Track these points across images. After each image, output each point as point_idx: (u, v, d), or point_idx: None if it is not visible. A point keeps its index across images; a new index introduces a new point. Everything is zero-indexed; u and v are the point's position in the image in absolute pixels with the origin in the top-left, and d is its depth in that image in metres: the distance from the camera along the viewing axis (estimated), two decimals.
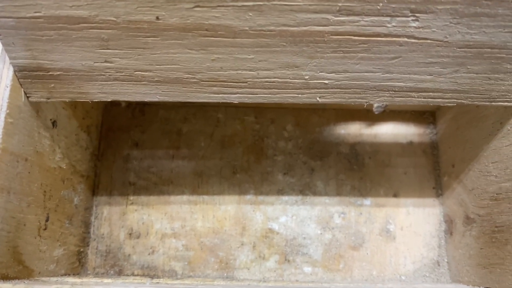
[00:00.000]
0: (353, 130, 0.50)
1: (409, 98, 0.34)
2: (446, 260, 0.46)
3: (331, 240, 0.47)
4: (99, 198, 0.47)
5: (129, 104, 0.50)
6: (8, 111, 0.30)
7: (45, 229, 0.37)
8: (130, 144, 0.49)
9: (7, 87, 0.31)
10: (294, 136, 0.50)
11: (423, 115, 0.50)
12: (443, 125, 0.48)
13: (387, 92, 0.33)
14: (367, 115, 0.50)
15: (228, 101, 0.33)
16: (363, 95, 0.33)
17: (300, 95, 0.33)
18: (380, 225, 0.47)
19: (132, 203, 0.47)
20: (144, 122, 0.50)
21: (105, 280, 0.35)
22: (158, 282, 0.34)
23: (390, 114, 0.50)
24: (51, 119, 0.37)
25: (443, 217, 0.47)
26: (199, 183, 0.48)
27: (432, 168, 0.49)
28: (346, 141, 0.50)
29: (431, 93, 0.33)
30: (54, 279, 0.32)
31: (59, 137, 0.39)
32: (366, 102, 0.34)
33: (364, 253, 0.46)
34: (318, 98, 0.34)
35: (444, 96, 0.33)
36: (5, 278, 0.31)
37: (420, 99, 0.34)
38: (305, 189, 0.48)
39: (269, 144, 0.49)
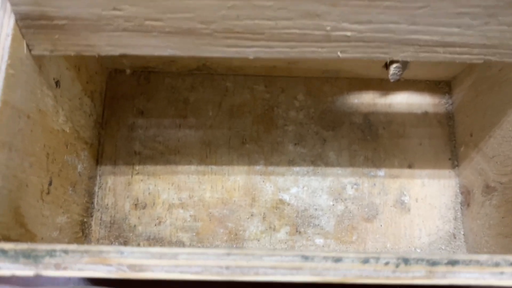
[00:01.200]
0: (367, 99, 0.48)
1: (435, 54, 0.32)
2: (462, 233, 0.45)
3: (344, 211, 0.45)
4: (103, 167, 0.45)
5: (134, 71, 0.48)
6: (9, 61, 0.28)
7: (48, 193, 0.35)
8: (135, 113, 0.47)
9: (8, 36, 0.29)
10: (306, 106, 0.48)
11: (438, 85, 0.49)
12: (460, 94, 0.46)
13: (412, 47, 0.32)
14: (381, 85, 0.49)
15: (243, 56, 0.31)
16: (386, 49, 0.32)
17: (320, 49, 0.32)
18: (394, 196, 0.46)
19: (137, 173, 0.45)
20: (149, 90, 0.48)
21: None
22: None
23: (405, 84, 0.49)
24: (54, 78, 0.35)
25: (460, 189, 0.46)
26: (207, 153, 0.46)
27: (447, 138, 0.47)
28: (360, 111, 0.48)
29: (458, 48, 0.31)
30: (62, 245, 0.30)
31: (62, 98, 0.37)
32: (390, 58, 0.32)
33: (378, 225, 0.45)
34: (339, 53, 0.32)
35: (471, 52, 0.32)
36: (7, 240, 0.29)
37: (446, 54, 0.32)
38: (317, 160, 0.46)
39: (279, 114, 0.47)
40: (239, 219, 0.45)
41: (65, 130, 0.37)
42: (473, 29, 0.30)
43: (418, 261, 0.28)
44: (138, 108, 0.47)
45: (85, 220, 0.43)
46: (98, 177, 0.45)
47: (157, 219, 0.44)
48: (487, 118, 0.41)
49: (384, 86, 0.48)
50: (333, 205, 0.45)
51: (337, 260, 0.27)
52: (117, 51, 0.31)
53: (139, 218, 0.44)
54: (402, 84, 0.49)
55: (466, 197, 0.44)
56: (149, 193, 0.45)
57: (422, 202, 0.45)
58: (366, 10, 0.29)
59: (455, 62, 0.44)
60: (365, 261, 0.28)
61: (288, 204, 0.45)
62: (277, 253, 0.27)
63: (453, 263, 0.28)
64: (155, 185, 0.45)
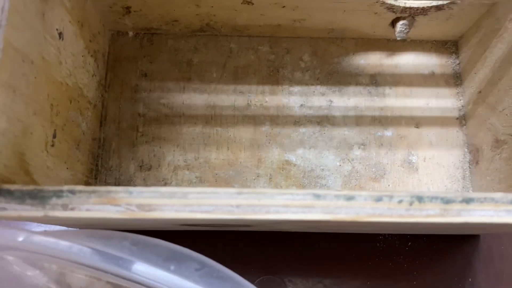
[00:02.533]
0: (373, 60, 0.47)
1: None
2: (471, 191, 0.44)
3: (351, 171, 0.44)
4: (107, 129, 0.45)
5: (137, 33, 0.47)
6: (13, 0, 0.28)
7: (52, 145, 0.34)
8: (138, 75, 0.46)
9: None
10: (311, 67, 0.47)
11: (445, 45, 0.48)
12: (468, 52, 0.46)
13: None
14: (388, 45, 0.48)
15: None
16: None
17: None
18: (402, 156, 0.45)
19: (142, 135, 0.45)
20: (152, 52, 0.47)
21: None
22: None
23: (411, 44, 0.48)
24: (57, 29, 0.35)
25: (468, 148, 0.45)
26: (212, 115, 0.46)
27: (455, 98, 0.47)
28: (366, 71, 0.47)
29: None
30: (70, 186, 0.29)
31: (65, 51, 0.36)
32: None
33: (386, 184, 0.44)
34: None
35: None
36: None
37: None
38: (323, 121, 0.46)
39: (284, 75, 0.47)
40: (245, 180, 0.44)
41: (68, 84, 0.37)
42: None
43: (432, 199, 0.27)
44: (141, 70, 0.46)
45: (89, 181, 0.42)
46: (102, 139, 0.44)
47: (163, 180, 0.44)
48: (496, 72, 0.40)
49: (391, 46, 0.48)
50: (340, 165, 0.45)
51: (350, 198, 0.27)
52: None
53: (144, 179, 0.44)
54: (409, 45, 0.48)
55: (474, 155, 0.44)
56: (154, 155, 0.44)
57: (430, 161, 0.45)
58: None
59: (463, 19, 0.43)
60: (378, 199, 0.27)
61: (295, 165, 0.45)
62: (288, 192, 0.27)
63: (467, 200, 0.27)
64: (160, 147, 0.45)
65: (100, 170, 0.44)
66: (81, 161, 0.40)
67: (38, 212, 0.26)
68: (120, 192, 0.27)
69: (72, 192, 0.27)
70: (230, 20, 0.45)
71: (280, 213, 0.27)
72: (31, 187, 0.27)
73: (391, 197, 0.27)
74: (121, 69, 0.46)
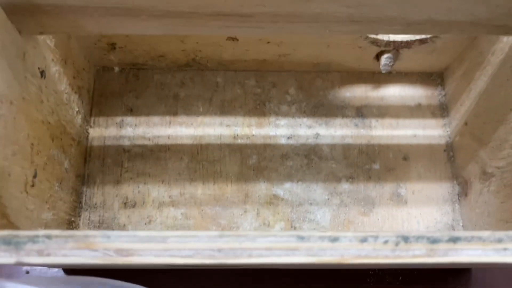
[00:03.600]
0: (359, 93, 0.48)
1: (422, 30, 0.31)
2: (461, 224, 0.44)
3: (339, 205, 0.44)
4: (92, 166, 0.44)
5: (122, 68, 0.47)
6: None
7: (32, 185, 0.34)
8: (124, 110, 0.46)
9: None
10: (297, 100, 0.47)
11: (430, 77, 0.48)
12: (453, 84, 0.46)
13: (400, 25, 0.31)
14: (373, 78, 0.48)
15: (232, 35, 0.31)
16: (375, 26, 0.31)
17: (309, 28, 0.31)
18: (390, 189, 0.45)
19: (127, 171, 0.44)
20: (138, 87, 0.47)
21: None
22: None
23: (397, 76, 0.48)
24: (39, 68, 0.34)
25: (456, 180, 0.45)
26: (198, 149, 0.45)
27: (442, 130, 0.47)
28: (352, 104, 0.47)
29: (445, 26, 0.31)
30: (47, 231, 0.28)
31: (48, 89, 0.36)
32: (377, 33, 0.32)
33: (375, 218, 0.44)
34: (327, 31, 0.31)
35: (458, 27, 0.31)
36: None
37: (433, 30, 0.32)
38: (311, 154, 0.45)
39: (271, 108, 0.47)
40: (232, 216, 0.43)
41: (50, 122, 0.36)
42: (463, 10, 0.30)
43: (418, 238, 0.27)
44: (127, 105, 0.46)
45: (72, 219, 0.41)
46: (86, 176, 0.44)
47: (148, 218, 0.43)
48: (481, 104, 0.40)
49: (376, 79, 0.48)
50: (328, 199, 0.44)
51: (334, 239, 0.26)
52: (106, 32, 0.31)
53: (128, 217, 0.43)
54: (394, 77, 0.48)
55: (463, 188, 0.43)
56: (138, 192, 0.44)
57: (418, 194, 0.45)
58: None
59: (446, 51, 0.44)
60: (363, 240, 0.26)
61: (282, 199, 0.44)
62: (271, 234, 0.26)
63: (454, 240, 0.27)
64: (144, 183, 0.44)
65: (84, 208, 0.43)
66: (64, 199, 0.39)
67: (11, 259, 0.25)
68: (97, 236, 0.26)
69: (48, 237, 0.26)
70: (216, 55, 0.45)
71: (263, 257, 0.26)
72: (5, 233, 0.26)
73: (376, 237, 0.26)
74: (106, 104, 0.46)
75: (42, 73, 0.35)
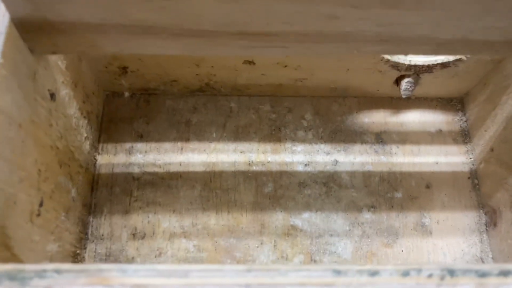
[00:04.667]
0: (378, 118, 0.46)
1: (453, 51, 0.30)
2: (491, 256, 0.41)
3: (361, 236, 0.41)
4: (99, 194, 0.42)
5: (133, 93, 0.46)
6: (2, 61, 0.26)
7: (38, 215, 0.31)
8: (134, 136, 0.44)
9: (2, 34, 0.26)
10: (314, 126, 0.45)
11: (450, 102, 0.47)
12: (475, 109, 0.44)
13: (430, 45, 0.30)
14: (391, 103, 0.47)
15: (257, 55, 0.29)
16: (404, 47, 0.30)
17: (336, 49, 0.30)
18: (414, 219, 0.42)
19: (136, 200, 0.42)
20: (149, 112, 0.45)
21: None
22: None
23: (416, 102, 0.47)
24: (49, 90, 0.33)
25: (483, 209, 0.43)
26: (211, 176, 0.43)
27: (464, 157, 0.45)
28: (371, 130, 0.46)
29: (479, 45, 0.30)
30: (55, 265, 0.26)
31: (57, 113, 0.34)
32: (407, 53, 0.30)
33: (399, 250, 0.41)
34: (355, 51, 0.30)
35: (492, 48, 0.30)
36: None
37: (465, 50, 0.30)
38: (329, 182, 0.43)
39: (287, 134, 0.45)
40: (247, 248, 0.41)
41: (58, 147, 0.34)
42: (499, 28, 0.28)
43: (466, 272, 0.24)
44: (137, 131, 0.44)
45: (77, 251, 0.39)
46: (93, 205, 0.41)
47: (158, 250, 0.40)
48: (509, 129, 0.39)
49: (395, 104, 0.47)
50: (350, 230, 0.42)
51: (374, 273, 0.24)
52: (122, 51, 0.29)
53: (137, 249, 0.40)
54: (413, 102, 0.47)
55: (491, 217, 0.41)
56: (148, 222, 0.41)
57: (443, 224, 0.42)
58: (389, 12, 0.27)
59: (468, 76, 0.42)
60: (405, 273, 0.24)
61: (301, 230, 0.41)
62: (305, 268, 0.24)
63: (505, 273, 0.24)
64: (154, 213, 0.41)
65: (90, 239, 0.40)
66: (70, 230, 0.37)
67: None
68: (112, 270, 0.23)
69: (57, 271, 0.23)
70: (231, 80, 0.43)
71: None
72: (9, 267, 0.23)
73: (419, 271, 0.24)
74: (115, 130, 0.44)
75: (52, 96, 0.33)
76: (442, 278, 0.24)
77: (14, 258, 0.28)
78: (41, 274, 0.23)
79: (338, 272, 0.24)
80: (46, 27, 0.27)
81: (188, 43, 0.29)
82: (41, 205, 0.32)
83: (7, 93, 0.27)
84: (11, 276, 0.23)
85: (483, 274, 0.24)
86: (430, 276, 0.24)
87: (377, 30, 0.28)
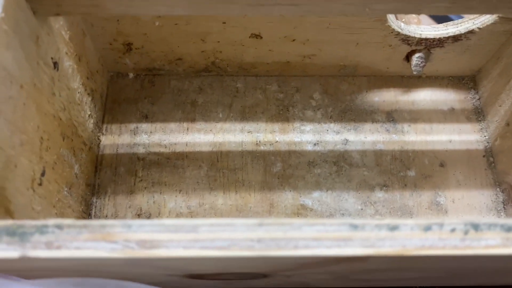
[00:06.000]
0: (388, 97, 0.45)
1: (469, 8, 0.29)
2: None
3: (374, 215, 0.40)
4: (103, 175, 0.41)
5: (137, 74, 0.45)
6: (3, 15, 0.25)
7: (40, 184, 0.30)
8: (138, 117, 0.43)
9: None
10: (323, 105, 0.44)
11: (462, 81, 0.46)
12: (488, 85, 0.43)
13: (446, 1, 0.29)
14: (402, 82, 0.46)
15: (267, 14, 0.29)
16: (418, 3, 0.29)
17: (347, 6, 0.29)
18: (428, 197, 0.41)
19: (141, 180, 0.41)
20: (154, 93, 0.44)
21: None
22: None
23: (427, 81, 0.46)
24: (52, 58, 0.32)
25: (500, 186, 0.41)
26: (218, 156, 0.42)
27: (479, 135, 0.43)
28: (382, 108, 0.44)
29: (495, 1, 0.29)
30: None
31: (60, 83, 0.33)
32: (421, 13, 0.29)
33: None
34: (367, 9, 0.29)
35: (509, 5, 0.29)
36: None
37: (481, 7, 0.29)
38: (340, 161, 0.42)
39: (295, 114, 0.44)
40: None
41: (61, 118, 0.33)
42: None
43: (491, 226, 0.23)
44: (142, 112, 0.43)
45: None
46: (96, 185, 0.40)
47: None
48: None
49: (405, 83, 0.45)
50: (362, 209, 0.40)
51: (393, 228, 0.22)
52: (126, 11, 0.28)
53: None
54: (424, 81, 0.46)
55: (509, 194, 0.40)
56: (153, 202, 0.40)
57: (459, 202, 0.41)
58: None
59: (479, 51, 0.41)
60: (427, 228, 0.23)
61: (311, 210, 0.40)
62: (320, 222, 0.22)
63: None
64: (160, 193, 0.40)
65: (93, 219, 0.39)
66: (73, 207, 0.36)
67: (15, 252, 0.21)
68: (117, 226, 0.22)
69: (59, 227, 0.22)
70: (237, 57, 0.42)
71: (310, 248, 0.22)
72: (9, 222, 0.22)
73: (441, 225, 0.23)
74: (120, 111, 0.43)
75: (55, 65, 0.32)
76: (466, 232, 0.23)
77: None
78: (42, 230, 0.22)
79: (355, 227, 0.22)
80: None
81: (194, 1, 0.28)
82: (43, 174, 0.31)
83: (8, 49, 0.26)
84: (10, 232, 0.22)
85: (509, 228, 0.23)
86: (453, 230, 0.23)
87: None
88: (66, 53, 0.34)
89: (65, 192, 0.34)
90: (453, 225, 0.23)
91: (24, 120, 0.28)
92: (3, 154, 0.26)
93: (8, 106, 0.26)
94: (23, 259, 0.22)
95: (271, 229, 0.22)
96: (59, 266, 0.24)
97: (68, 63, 0.34)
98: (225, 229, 0.22)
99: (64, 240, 0.22)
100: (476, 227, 0.23)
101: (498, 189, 0.41)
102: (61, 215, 0.34)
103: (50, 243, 0.22)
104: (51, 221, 0.22)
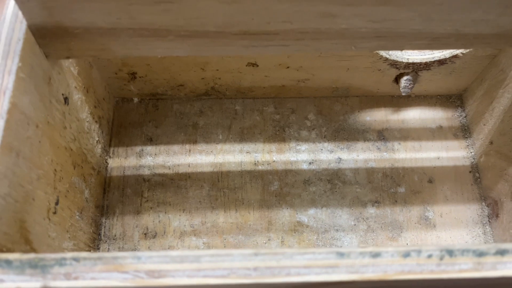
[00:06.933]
0: (379, 116, 0.47)
1: (447, 45, 0.31)
2: None
3: (366, 231, 0.42)
4: (111, 196, 0.43)
5: (142, 99, 0.47)
6: (20, 64, 0.28)
7: (54, 212, 0.33)
8: (143, 140, 0.46)
9: (20, 40, 0.28)
10: (317, 125, 0.47)
11: (449, 99, 0.48)
12: (474, 104, 0.45)
13: (425, 39, 0.31)
14: (392, 102, 0.48)
15: (258, 54, 0.31)
16: (400, 42, 0.31)
17: (334, 45, 0.31)
18: (417, 213, 0.43)
19: (147, 201, 0.43)
20: (158, 116, 0.47)
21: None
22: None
23: (416, 100, 0.48)
24: (63, 94, 0.34)
25: (485, 201, 0.43)
26: (219, 176, 0.44)
27: (465, 151, 0.46)
28: (373, 127, 0.47)
29: (471, 39, 0.31)
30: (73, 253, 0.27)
31: (70, 116, 0.36)
32: (403, 49, 0.32)
33: (404, 243, 0.42)
34: (353, 47, 0.31)
35: (484, 41, 0.31)
36: None
37: (458, 44, 0.31)
38: (334, 179, 0.44)
39: (291, 134, 0.46)
40: (256, 245, 0.42)
41: (72, 149, 0.36)
42: (488, 21, 0.30)
43: (464, 252, 0.25)
44: (146, 135, 0.46)
45: (91, 251, 0.40)
46: (105, 207, 0.43)
47: (169, 247, 0.41)
48: (507, 121, 0.40)
49: (395, 103, 0.48)
50: (355, 224, 0.43)
51: (376, 255, 0.25)
52: (131, 54, 0.31)
53: (149, 248, 0.41)
54: (413, 100, 0.48)
55: (493, 208, 0.42)
56: (159, 221, 0.42)
57: (447, 217, 0.43)
58: (381, 8, 0.29)
59: (465, 72, 0.44)
60: (406, 254, 0.25)
61: (307, 226, 0.43)
62: (310, 251, 0.25)
63: (502, 252, 0.25)
64: (165, 212, 0.43)
65: (102, 239, 0.41)
66: (84, 230, 0.38)
67: (37, 283, 0.24)
68: (127, 258, 0.25)
69: (76, 259, 0.25)
70: (235, 83, 0.45)
71: (301, 275, 0.25)
72: (31, 256, 0.25)
73: (419, 251, 0.25)
74: (126, 134, 0.46)
75: (66, 100, 0.35)
76: (441, 258, 0.25)
77: (33, 252, 0.30)
78: (61, 262, 0.24)
79: (341, 255, 0.25)
80: (60, 32, 0.29)
81: (193, 44, 0.30)
82: (57, 203, 0.33)
83: (25, 94, 0.28)
84: (32, 265, 0.24)
85: (480, 254, 0.25)
86: (429, 256, 0.25)
87: (372, 26, 0.30)
88: (75, 87, 0.37)
89: (77, 217, 0.37)
90: (429, 252, 0.25)
91: (39, 156, 0.30)
92: (22, 190, 0.28)
93: (26, 146, 0.29)
94: None
95: (266, 258, 0.25)
96: None
97: (77, 96, 0.37)
98: (224, 259, 0.25)
99: (81, 272, 0.24)
100: (450, 253, 0.25)
101: (483, 203, 0.44)
102: (74, 238, 0.36)
103: (68, 274, 0.24)
104: (69, 254, 0.25)
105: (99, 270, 0.24)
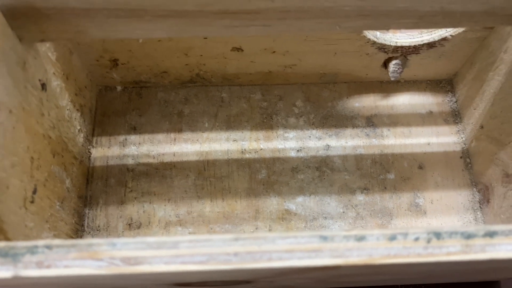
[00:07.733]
0: (368, 102, 0.46)
1: (434, 23, 0.30)
2: None
3: (356, 218, 0.42)
4: (94, 186, 0.42)
5: (125, 87, 0.46)
6: None
7: (32, 201, 0.32)
8: (127, 129, 0.45)
9: None
10: (305, 112, 0.46)
11: (439, 84, 0.47)
12: (464, 89, 0.45)
13: (412, 18, 0.30)
14: (381, 87, 0.47)
15: (240, 34, 0.30)
16: (386, 21, 0.30)
17: (319, 25, 0.30)
18: (407, 199, 0.42)
19: (131, 191, 0.42)
20: (141, 105, 0.46)
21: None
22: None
23: (405, 85, 0.47)
24: (40, 80, 0.33)
25: (476, 186, 0.43)
26: (205, 165, 0.43)
27: (456, 137, 0.45)
28: (362, 114, 0.46)
29: (458, 17, 0.30)
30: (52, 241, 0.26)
31: (49, 103, 0.34)
32: (388, 29, 0.31)
33: None
34: (337, 27, 0.30)
35: (471, 19, 0.30)
36: None
37: (445, 23, 0.31)
38: (322, 166, 0.44)
39: (278, 121, 0.45)
40: (243, 233, 0.41)
41: (51, 137, 0.35)
42: None
43: (452, 234, 0.24)
44: (130, 124, 0.45)
45: None
46: (88, 197, 0.42)
47: None
48: (497, 105, 0.39)
49: (385, 88, 0.47)
50: (344, 212, 0.42)
51: (360, 238, 0.24)
52: (109, 36, 0.30)
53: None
54: (403, 86, 0.47)
55: (484, 194, 0.41)
56: (143, 211, 0.41)
57: (437, 203, 0.42)
58: None
59: (455, 56, 0.43)
60: (392, 237, 0.24)
61: (295, 214, 0.42)
62: (292, 234, 0.24)
63: (491, 234, 0.24)
64: (150, 202, 0.42)
65: (86, 230, 0.40)
66: (65, 220, 0.37)
67: (8, 272, 0.23)
68: (102, 244, 0.24)
69: (48, 247, 0.24)
70: (220, 69, 0.44)
71: (283, 260, 0.24)
72: (1, 244, 0.24)
73: (405, 234, 0.24)
74: (109, 123, 0.45)
75: (43, 86, 0.34)
76: (428, 241, 0.24)
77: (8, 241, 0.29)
78: (32, 250, 0.23)
79: (325, 238, 0.24)
80: (32, 13, 0.28)
81: (172, 25, 0.29)
82: (34, 192, 0.32)
83: None
84: (3, 253, 0.23)
85: (469, 236, 0.24)
86: (416, 239, 0.24)
87: (357, 4, 0.29)
88: (54, 73, 0.36)
89: (58, 207, 0.36)
90: (416, 234, 0.24)
91: (14, 143, 0.29)
92: None
93: None
94: (15, 278, 0.23)
95: (247, 243, 0.24)
96: (50, 283, 0.26)
97: (56, 83, 0.36)
98: (203, 245, 0.24)
99: (54, 260, 0.23)
100: (438, 235, 0.24)
101: (474, 189, 0.43)
102: (54, 229, 0.35)
103: (40, 262, 0.23)
104: (41, 242, 0.24)
105: (72, 257, 0.23)
